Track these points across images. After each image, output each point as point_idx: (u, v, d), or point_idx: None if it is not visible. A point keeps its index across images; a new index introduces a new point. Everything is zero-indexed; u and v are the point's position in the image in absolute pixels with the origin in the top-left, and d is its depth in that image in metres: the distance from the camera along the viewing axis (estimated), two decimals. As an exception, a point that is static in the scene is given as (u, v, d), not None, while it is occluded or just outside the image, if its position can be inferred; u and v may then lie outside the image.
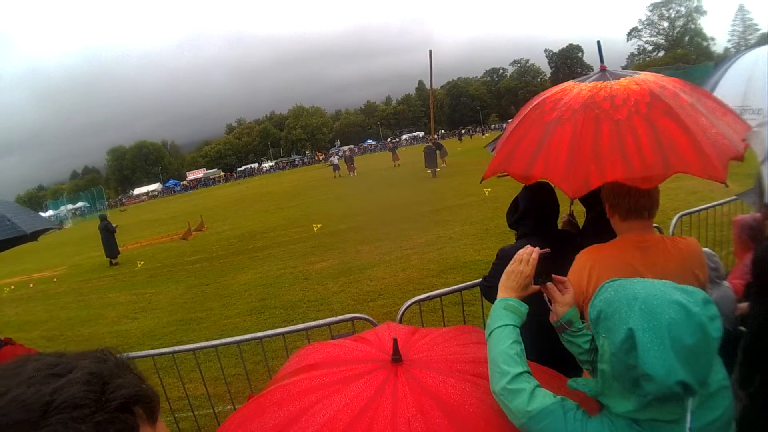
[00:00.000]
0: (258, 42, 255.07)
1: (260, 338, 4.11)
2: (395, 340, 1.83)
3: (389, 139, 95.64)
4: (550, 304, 1.86)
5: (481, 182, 2.99)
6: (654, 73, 2.49)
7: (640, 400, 1.35)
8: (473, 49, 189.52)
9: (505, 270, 1.85)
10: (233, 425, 1.78)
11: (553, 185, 2.31)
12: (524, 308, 1.75)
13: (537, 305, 1.84)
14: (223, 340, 4.18)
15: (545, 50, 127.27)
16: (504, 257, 3.16)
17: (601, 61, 2.65)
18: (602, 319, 1.44)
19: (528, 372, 1.59)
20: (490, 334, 1.70)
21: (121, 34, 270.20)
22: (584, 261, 2.43)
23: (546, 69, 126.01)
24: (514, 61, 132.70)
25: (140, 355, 4.37)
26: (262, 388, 2.07)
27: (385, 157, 45.12)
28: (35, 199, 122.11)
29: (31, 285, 19.04)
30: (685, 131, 2.06)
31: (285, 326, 7.72)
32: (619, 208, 2.40)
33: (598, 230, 2.77)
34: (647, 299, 1.36)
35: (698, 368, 1.30)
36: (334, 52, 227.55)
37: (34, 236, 4.50)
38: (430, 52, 34.56)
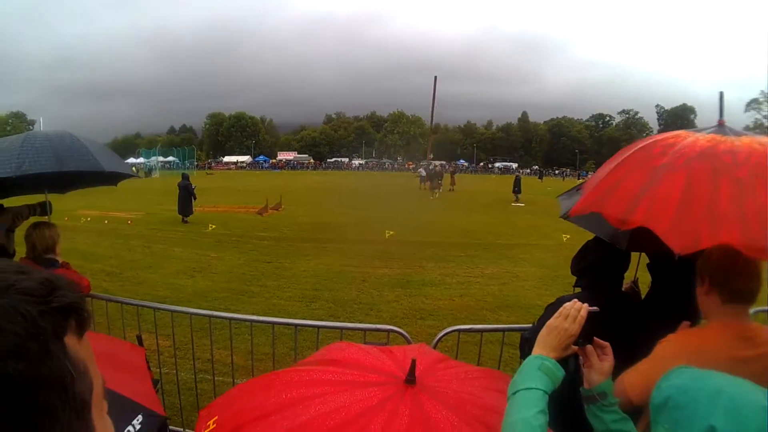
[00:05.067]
0: (371, 46, 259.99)
1: (295, 325, 4.12)
2: (413, 361, 1.76)
3: (452, 163, 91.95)
4: (584, 369, 1.68)
5: (567, 217, 2.70)
6: None
7: None
8: (582, 89, 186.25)
9: (547, 324, 1.67)
10: (240, 392, 1.90)
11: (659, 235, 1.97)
12: (561, 373, 1.56)
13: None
14: (258, 318, 4.25)
15: (656, 106, 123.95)
16: (556, 306, 3.01)
17: (721, 114, 2.40)
18: (671, 407, 1.27)
19: None
20: (514, 393, 1.52)
21: (248, 11, 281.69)
22: (677, 350, 2.08)
23: (653, 124, 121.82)
24: (623, 111, 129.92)
25: (178, 310, 4.54)
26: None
27: (474, 180, 44.34)
28: (130, 145, 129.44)
29: (106, 221, 20.36)
30: None
31: (331, 321, 7.81)
32: (723, 288, 2.09)
33: (661, 308, 2.57)
34: (734, 398, 1.20)
35: None
36: (443, 68, 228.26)
37: (112, 179, 4.78)
38: (435, 78, 34.96)
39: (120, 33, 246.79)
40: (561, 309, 1.67)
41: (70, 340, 0.67)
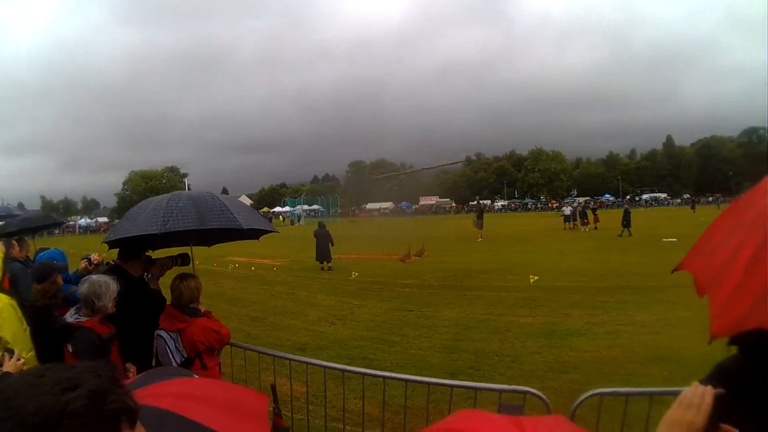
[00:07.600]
0: (504, 85, 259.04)
1: (428, 383, 4.13)
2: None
3: (586, 200, 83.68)
4: None
5: (709, 342, 1.67)
6: None
7: None
8: (727, 101, 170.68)
9: (666, 417, 1.44)
10: None
11: None
12: None
13: None
14: (391, 374, 4.31)
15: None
16: (716, 376, 2.58)
17: None
18: None
19: None
20: None
21: (383, 62, 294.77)
22: None
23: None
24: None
25: (312, 362, 4.76)
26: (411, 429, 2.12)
27: (620, 215, 40.97)
28: (276, 194, 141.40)
29: (253, 268, 21.91)
30: None
31: (471, 372, 7.68)
32: None
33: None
34: None
35: None
36: (579, 100, 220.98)
37: (253, 234, 5.16)
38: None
39: (267, 92, 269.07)
40: (680, 397, 1.46)
41: None
